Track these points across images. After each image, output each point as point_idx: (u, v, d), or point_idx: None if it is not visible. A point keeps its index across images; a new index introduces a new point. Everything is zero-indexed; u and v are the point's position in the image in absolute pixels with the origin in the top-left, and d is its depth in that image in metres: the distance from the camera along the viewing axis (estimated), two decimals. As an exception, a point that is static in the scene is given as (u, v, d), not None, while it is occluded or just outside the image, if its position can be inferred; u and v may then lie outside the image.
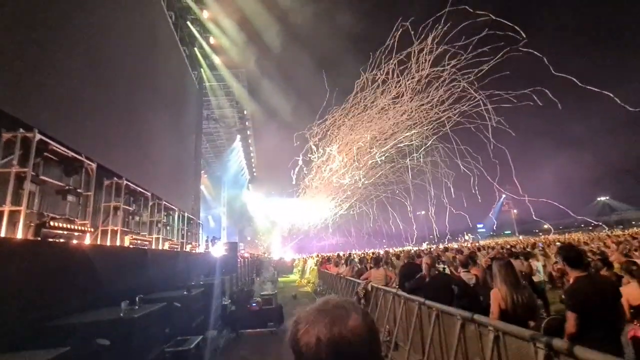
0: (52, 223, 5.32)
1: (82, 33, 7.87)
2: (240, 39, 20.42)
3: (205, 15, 17.08)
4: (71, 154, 7.28)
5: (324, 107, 23.50)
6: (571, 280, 2.78)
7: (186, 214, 16.47)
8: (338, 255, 17.13)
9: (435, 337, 3.76)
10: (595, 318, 2.53)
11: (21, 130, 5.98)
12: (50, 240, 5.19)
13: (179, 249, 13.95)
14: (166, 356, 4.79)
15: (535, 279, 7.19)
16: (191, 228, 17.57)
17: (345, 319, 0.65)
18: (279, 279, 21.12)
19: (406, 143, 23.65)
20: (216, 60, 19.91)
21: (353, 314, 0.66)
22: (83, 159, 7.65)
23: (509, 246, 15.42)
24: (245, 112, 26.20)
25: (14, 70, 5.84)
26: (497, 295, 3.00)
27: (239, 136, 27.96)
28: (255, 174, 39.63)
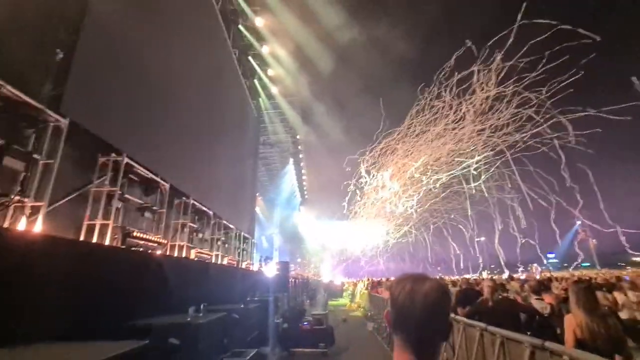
0: (134, 234, 6.04)
1: (162, 71, 9.12)
2: (295, 69, 21.81)
3: (264, 50, 18.67)
4: (150, 175, 8.29)
5: (378, 131, 23.53)
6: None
7: (242, 233, 17.35)
8: (388, 279, 16.52)
9: (500, 367, 3.48)
10: None
11: (113, 155, 7.01)
12: (133, 248, 5.89)
13: (236, 266, 14.65)
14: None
15: (624, 315, 6.25)
16: (246, 247, 18.41)
17: (423, 281, 0.96)
18: (329, 302, 20.87)
19: (465, 169, 22.58)
20: (273, 90, 21.42)
21: (429, 280, 0.97)
22: (159, 179, 8.64)
23: (587, 278, 13.54)
24: (298, 137, 27.41)
25: (105, 105, 6.91)
26: (572, 322, 2.72)
27: (291, 160, 29.14)
28: (306, 196, 40.58)
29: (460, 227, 25.22)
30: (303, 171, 33.40)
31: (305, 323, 8.28)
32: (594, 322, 2.66)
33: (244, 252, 17.53)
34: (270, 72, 20.16)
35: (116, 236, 6.65)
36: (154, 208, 8.57)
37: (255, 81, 20.80)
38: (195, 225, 11.53)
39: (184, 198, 10.51)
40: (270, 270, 16.40)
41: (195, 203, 11.11)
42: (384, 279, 17.10)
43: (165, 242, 8.39)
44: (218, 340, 5.11)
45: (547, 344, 2.84)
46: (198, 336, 4.18)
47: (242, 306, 6.55)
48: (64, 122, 5.68)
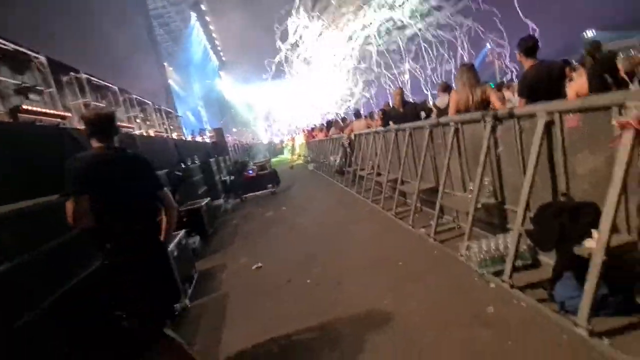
0: (26, 107, 5.17)
1: None
2: None
3: None
4: (12, 46, 6.55)
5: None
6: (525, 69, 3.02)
7: (162, 107, 15.99)
8: (321, 124, 17.50)
9: (410, 153, 4.32)
10: (540, 99, 2.80)
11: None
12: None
13: (165, 136, 14.07)
14: (182, 214, 5.46)
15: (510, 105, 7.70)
16: (172, 122, 17.32)
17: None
18: (272, 159, 22.10)
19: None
20: None
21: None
22: (28, 51, 6.93)
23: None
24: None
25: None
26: (453, 95, 3.28)
27: (193, 14, 24.57)
28: (223, 58, 36.49)
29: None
30: (212, 27, 28.88)
31: (249, 171, 8.88)
32: (472, 94, 3.16)
33: (171, 127, 16.58)
34: None
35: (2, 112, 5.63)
36: (38, 88, 7.17)
37: None
38: (100, 104, 10.19)
39: (72, 73, 8.83)
40: (206, 139, 16.17)
41: (91, 78, 9.48)
42: (317, 125, 18.05)
43: (70, 115, 7.41)
44: (167, 195, 5.36)
45: (441, 119, 3.50)
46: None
47: (182, 165, 6.68)
48: None
